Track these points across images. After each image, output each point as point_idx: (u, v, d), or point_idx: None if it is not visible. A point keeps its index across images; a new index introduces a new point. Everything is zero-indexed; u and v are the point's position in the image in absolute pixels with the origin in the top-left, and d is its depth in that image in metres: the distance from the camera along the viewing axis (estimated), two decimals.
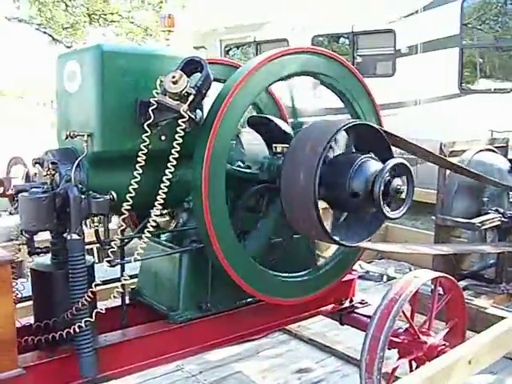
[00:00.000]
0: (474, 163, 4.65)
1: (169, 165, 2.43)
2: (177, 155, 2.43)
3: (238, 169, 2.95)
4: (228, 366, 4.01)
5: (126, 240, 2.85)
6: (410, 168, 2.66)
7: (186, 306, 2.89)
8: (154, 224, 2.49)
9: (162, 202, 2.44)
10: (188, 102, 2.36)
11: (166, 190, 2.43)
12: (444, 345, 3.17)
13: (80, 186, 2.46)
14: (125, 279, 2.48)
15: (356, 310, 3.66)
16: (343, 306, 3.63)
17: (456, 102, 9.17)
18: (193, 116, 2.40)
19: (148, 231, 2.47)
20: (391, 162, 2.57)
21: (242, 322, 3.08)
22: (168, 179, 2.64)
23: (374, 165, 2.63)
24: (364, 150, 2.86)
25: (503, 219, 4.75)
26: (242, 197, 2.95)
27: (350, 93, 3.14)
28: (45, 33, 15.05)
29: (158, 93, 2.41)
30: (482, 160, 4.73)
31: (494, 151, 4.99)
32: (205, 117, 2.66)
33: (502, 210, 4.81)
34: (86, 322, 2.42)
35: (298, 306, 3.21)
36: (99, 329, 2.84)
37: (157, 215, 2.48)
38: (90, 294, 2.42)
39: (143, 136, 2.43)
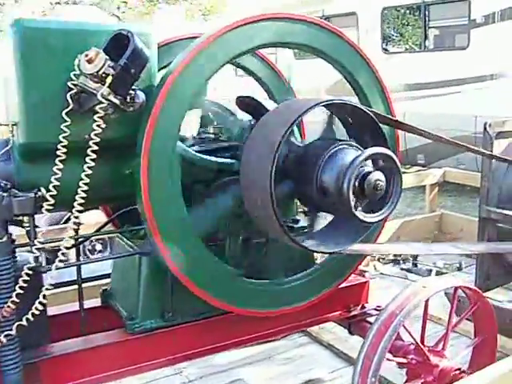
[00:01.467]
0: None
1: (87, 159, 2.06)
2: (95, 147, 2.06)
3: (203, 156, 2.55)
4: (232, 371, 3.64)
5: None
6: (396, 159, 2.14)
7: (146, 315, 2.54)
8: (76, 222, 2.14)
9: (82, 200, 2.08)
10: (107, 85, 1.97)
11: (85, 187, 2.07)
12: (459, 369, 2.65)
13: (5, 182, 2.15)
14: (50, 285, 2.14)
15: (368, 319, 3.18)
16: (351, 314, 3.16)
17: None
18: (116, 101, 2.01)
19: (69, 236, 2.13)
20: (367, 152, 2.06)
21: (217, 333, 2.68)
22: (106, 173, 2.35)
23: (350, 155, 2.14)
24: (356, 136, 2.38)
25: None
26: (208, 190, 2.56)
27: (345, 64, 2.64)
28: (113, 15, 15.11)
29: (77, 75, 2.04)
30: None
31: None
32: None
33: None
34: (6, 336, 2.13)
35: (286, 315, 2.78)
36: (60, 335, 2.60)
37: (77, 214, 2.13)
38: (10, 304, 2.11)
39: (62, 126, 2.06)
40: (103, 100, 1.97)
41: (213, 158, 2.58)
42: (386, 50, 10.55)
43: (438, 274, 4.99)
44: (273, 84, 3.33)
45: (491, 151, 3.89)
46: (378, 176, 2.06)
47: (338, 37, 2.61)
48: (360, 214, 2.06)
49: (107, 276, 2.94)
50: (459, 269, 4.96)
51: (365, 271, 3.23)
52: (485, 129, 3.85)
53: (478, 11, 8.79)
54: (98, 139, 2.05)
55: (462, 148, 2.95)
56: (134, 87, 2.17)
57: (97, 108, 2.00)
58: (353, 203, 2.03)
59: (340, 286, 3.00)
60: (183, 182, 2.51)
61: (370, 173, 2.06)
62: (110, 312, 2.83)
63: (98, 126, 2.03)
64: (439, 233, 5.66)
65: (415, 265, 5.26)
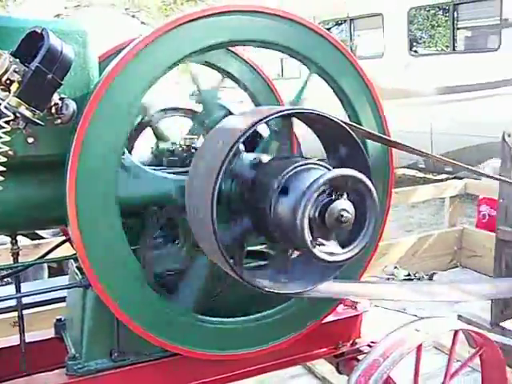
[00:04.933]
0: None
1: None
2: (1, 168, 1.72)
3: (159, 174, 2.20)
4: None
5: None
6: (369, 184, 1.75)
7: (91, 353, 2.20)
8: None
9: None
10: (12, 93, 1.64)
11: None
12: None
13: None
14: None
15: (359, 357, 2.79)
16: (340, 351, 2.78)
17: None
18: (27, 113, 1.67)
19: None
20: (328, 174, 1.68)
21: (176, 376, 2.33)
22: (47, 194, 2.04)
23: (313, 177, 1.75)
24: (330, 155, 2.01)
25: None
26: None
27: (326, 68, 2.26)
28: (133, 16, 14.91)
29: None
30: None
31: None
32: None
33: None
34: None
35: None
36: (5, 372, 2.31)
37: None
38: None
39: None
40: (7, 112, 1.63)
41: (169, 176, 2.24)
42: (415, 51, 10.07)
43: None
44: (256, 88, 2.96)
45: (511, 164, 3.47)
46: (343, 205, 1.68)
47: (317, 34, 2.22)
48: (319, 251, 1.69)
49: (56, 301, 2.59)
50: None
51: (357, 302, 2.82)
52: (503, 139, 3.42)
53: (511, 10, 8.27)
54: (3, 159, 1.71)
55: (462, 168, 2.53)
56: (62, 96, 1.86)
57: (0, 122, 1.66)
58: (309, 238, 1.65)
59: (327, 321, 2.64)
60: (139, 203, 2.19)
61: (333, 201, 1.68)
62: (63, 345, 2.52)
63: (4, 142, 1.69)
64: (460, 249, 5.20)
65: None
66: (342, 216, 1.66)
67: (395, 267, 4.55)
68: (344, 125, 1.83)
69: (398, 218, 7.37)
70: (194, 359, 2.27)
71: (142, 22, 14.22)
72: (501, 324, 3.60)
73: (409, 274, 4.70)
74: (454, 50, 9.43)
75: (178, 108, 2.83)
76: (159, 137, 2.63)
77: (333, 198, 1.68)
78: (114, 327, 2.17)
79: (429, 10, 10.07)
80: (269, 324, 2.34)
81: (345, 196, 1.70)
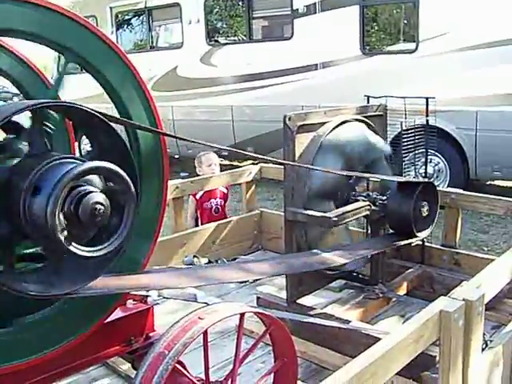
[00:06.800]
0: (332, 138, 3.75)
1: None
2: None
3: None
4: None
5: None
6: (124, 175, 1.68)
7: None
8: None
9: None
10: None
11: None
12: None
13: None
14: None
15: None
16: (133, 348, 2.70)
17: (359, 65, 8.34)
18: None
19: None
20: (78, 168, 1.58)
21: None
22: None
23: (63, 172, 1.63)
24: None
25: (373, 208, 3.89)
26: None
27: (88, 58, 2.14)
28: None
29: None
30: (341, 134, 3.82)
31: (365, 122, 4.08)
32: None
33: (373, 196, 3.95)
34: None
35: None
36: None
37: None
38: None
39: None
40: None
41: None
42: (215, 41, 10.22)
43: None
44: (27, 82, 2.76)
45: (293, 147, 3.61)
46: (97, 198, 1.59)
47: (76, 23, 2.08)
48: (76, 248, 1.58)
49: None
50: None
51: (147, 296, 2.76)
52: (284, 122, 3.54)
53: (300, 1, 8.73)
54: None
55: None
56: None
57: None
58: (62, 235, 1.54)
59: (116, 317, 2.54)
60: None
61: (86, 194, 1.58)
62: None
63: None
64: (259, 233, 5.34)
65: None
66: (95, 209, 1.57)
67: (194, 256, 4.52)
68: (99, 115, 1.73)
69: None
70: None
71: None
72: (297, 301, 3.75)
73: (209, 262, 4.69)
74: (250, 39, 9.72)
75: None
76: None
77: (87, 191, 1.58)
78: None
79: (226, 1, 10.25)
80: (44, 329, 2.17)
81: (99, 189, 1.61)
